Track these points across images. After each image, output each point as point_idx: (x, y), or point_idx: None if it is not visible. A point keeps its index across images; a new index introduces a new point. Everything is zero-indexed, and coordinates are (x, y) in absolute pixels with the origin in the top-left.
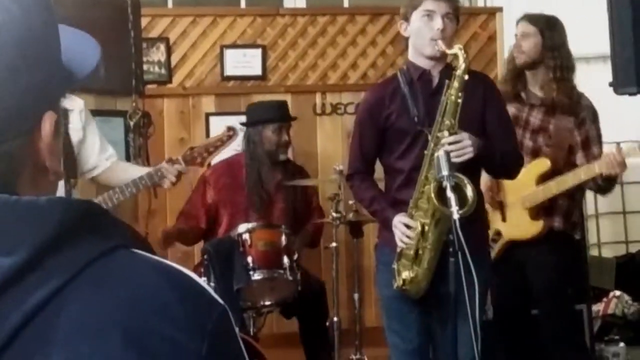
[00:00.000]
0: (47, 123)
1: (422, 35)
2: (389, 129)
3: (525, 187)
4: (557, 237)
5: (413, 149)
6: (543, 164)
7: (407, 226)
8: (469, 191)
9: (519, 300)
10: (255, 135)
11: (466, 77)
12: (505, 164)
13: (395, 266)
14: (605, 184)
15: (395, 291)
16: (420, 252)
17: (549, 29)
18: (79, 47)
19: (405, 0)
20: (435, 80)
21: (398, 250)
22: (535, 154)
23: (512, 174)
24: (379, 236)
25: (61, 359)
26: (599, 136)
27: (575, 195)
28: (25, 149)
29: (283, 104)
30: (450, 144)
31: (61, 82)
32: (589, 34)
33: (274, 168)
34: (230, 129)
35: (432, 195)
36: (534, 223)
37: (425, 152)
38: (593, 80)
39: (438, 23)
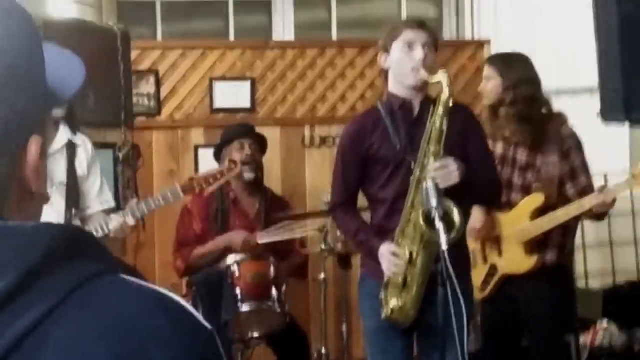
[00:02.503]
0: (33, 147)
1: (404, 66)
2: (372, 159)
3: (520, 222)
4: (550, 270)
5: (396, 177)
6: (537, 200)
7: (395, 255)
8: (455, 216)
9: (510, 332)
10: (223, 159)
11: (451, 102)
12: (489, 191)
13: (382, 296)
14: (597, 217)
15: (380, 323)
16: (408, 279)
17: (506, 68)
18: (64, 67)
19: (384, 32)
20: (416, 110)
21: (386, 279)
22: (526, 190)
23: (495, 201)
24: (362, 267)
25: None
26: (585, 165)
27: (569, 226)
28: (11, 173)
29: (245, 124)
30: (436, 169)
31: (46, 104)
32: (576, 67)
33: (252, 197)
34: (232, 161)
35: (421, 221)
36: (528, 258)
37: (411, 178)
38: (580, 112)
39: (419, 53)
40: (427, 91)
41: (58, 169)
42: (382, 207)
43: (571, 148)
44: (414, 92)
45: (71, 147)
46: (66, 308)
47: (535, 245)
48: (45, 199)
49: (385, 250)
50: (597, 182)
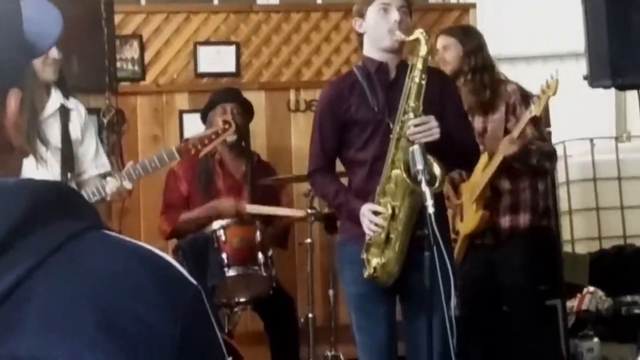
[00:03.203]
0: (12, 100)
1: (380, 28)
2: (350, 122)
3: (475, 183)
4: (524, 233)
5: (374, 139)
6: (482, 159)
7: (376, 213)
8: (436, 169)
9: (489, 297)
10: (208, 124)
11: (429, 58)
12: (466, 154)
13: (364, 256)
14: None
15: (362, 288)
16: (391, 235)
17: (465, 37)
18: (41, 18)
19: None
20: (393, 73)
21: (367, 239)
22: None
23: (471, 164)
24: (342, 232)
25: (33, 343)
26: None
27: (537, 187)
28: None
29: (230, 88)
30: (416, 125)
31: (24, 56)
32: (561, 32)
33: (238, 159)
34: (225, 122)
35: (403, 174)
36: (475, 214)
37: (391, 136)
38: (566, 77)
39: (395, 15)
40: (402, 54)
41: (52, 134)
42: (361, 169)
43: (516, 102)
44: (390, 54)
45: (64, 112)
46: (49, 266)
47: (483, 201)
48: (26, 153)
49: (366, 210)
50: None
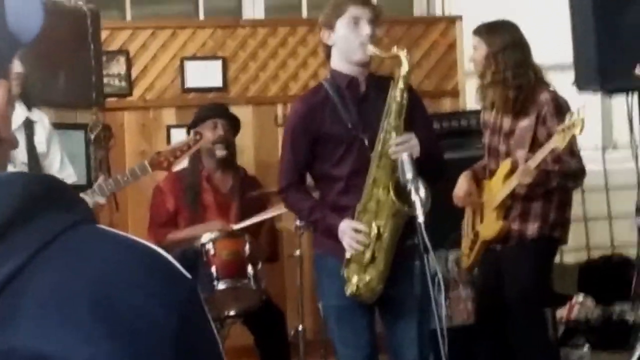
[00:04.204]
0: (0, 91)
1: (351, 42)
2: (323, 138)
3: (497, 188)
4: (531, 242)
5: (349, 155)
6: (506, 165)
7: (357, 230)
8: (422, 192)
9: (499, 305)
10: None
11: (411, 77)
12: (435, 169)
13: (343, 273)
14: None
15: (346, 300)
16: (376, 254)
17: (490, 35)
18: (23, 9)
19: (326, 8)
20: (363, 87)
21: (347, 256)
22: (508, 157)
23: (439, 178)
24: (318, 246)
25: (30, 334)
26: None
27: (551, 197)
28: None
29: (220, 105)
30: (397, 144)
31: (9, 49)
32: (547, 44)
33: (225, 174)
34: (197, 133)
35: (391, 193)
36: (495, 223)
37: (372, 155)
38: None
39: (366, 29)
40: (370, 67)
41: (18, 149)
42: (336, 184)
43: (548, 113)
44: (359, 68)
45: (29, 125)
46: (44, 258)
47: (505, 210)
48: (13, 144)
49: (347, 227)
50: None
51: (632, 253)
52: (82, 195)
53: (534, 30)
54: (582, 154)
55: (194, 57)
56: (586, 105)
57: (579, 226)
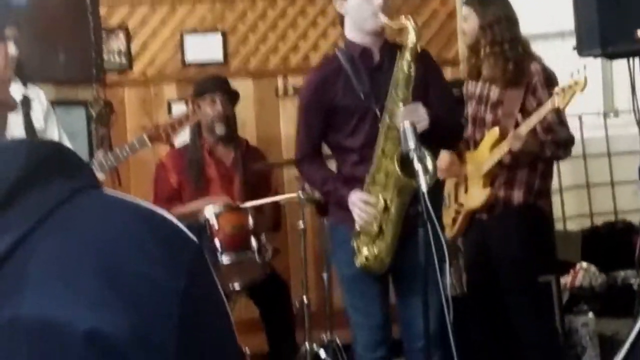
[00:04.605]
0: None
1: (363, 11)
2: (336, 108)
3: (482, 157)
4: (518, 210)
5: (362, 126)
6: (493, 134)
7: (366, 202)
8: (429, 163)
9: (488, 275)
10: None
11: (418, 48)
12: (451, 135)
13: (354, 244)
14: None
15: (357, 269)
16: (383, 226)
17: (482, 7)
18: None
19: None
20: (376, 57)
21: (357, 227)
22: (495, 126)
23: (455, 145)
24: (332, 216)
25: (36, 302)
26: None
27: (536, 165)
28: None
29: (218, 78)
30: (405, 115)
31: (3, 12)
32: (547, 11)
33: (227, 147)
34: (194, 103)
35: (396, 167)
36: (482, 192)
37: (380, 125)
38: (553, 56)
39: None
40: (385, 36)
41: (15, 127)
42: (350, 155)
43: (538, 83)
44: (373, 37)
45: (26, 102)
46: (49, 225)
47: (492, 179)
48: (11, 106)
49: (356, 198)
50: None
51: (635, 219)
52: None
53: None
54: (584, 119)
55: (193, 31)
56: (587, 71)
57: (581, 193)
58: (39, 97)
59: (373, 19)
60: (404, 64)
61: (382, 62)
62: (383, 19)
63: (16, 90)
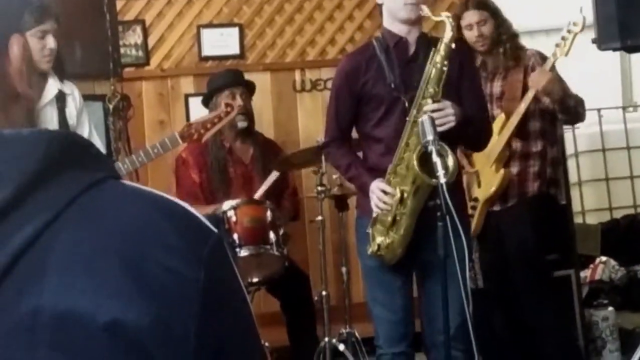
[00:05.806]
0: (15, 46)
1: (396, 0)
2: (365, 96)
3: (491, 145)
4: (531, 200)
5: (390, 116)
6: (499, 119)
7: (385, 192)
8: (450, 160)
9: (503, 268)
10: (213, 107)
11: (453, 45)
12: (478, 135)
13: (369, 231)
14: (560, 107)
15: (379, 261)
16: (397, 218)
17: (493, 9)
18: None
19: None
20: (412, 48)
21: (374, 215)
22: None
23: (482, 145)
24: (357, 207)
25: (57, 292)
26: None
27: (546, 155)
28: None
29: (235, 71)
30: (433, 111)
31: (22, 2)
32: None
33: (245, 143)
34: (228, 105)
35: (414, 162)
36: (495, 176)
37: (407, 118)
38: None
39: None
40: (421, 27)
41: (50, 122)
42: (377, 145)
43: (535, 62)
44: (408, 27)
45: (61, 98)
46: (69, 216)
47: (503, 162)
48: (31, 100)
49: (375, 187)
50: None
51: None
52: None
53: None
54: (603, 113)
55: (210, 25)
56: (605, 66)
57: (601, 187)
58: (74, 93)
59: (405, 8)
60: (438, 59)
61: (417, 54)
62: (425, 10)
63: (52, 85)
